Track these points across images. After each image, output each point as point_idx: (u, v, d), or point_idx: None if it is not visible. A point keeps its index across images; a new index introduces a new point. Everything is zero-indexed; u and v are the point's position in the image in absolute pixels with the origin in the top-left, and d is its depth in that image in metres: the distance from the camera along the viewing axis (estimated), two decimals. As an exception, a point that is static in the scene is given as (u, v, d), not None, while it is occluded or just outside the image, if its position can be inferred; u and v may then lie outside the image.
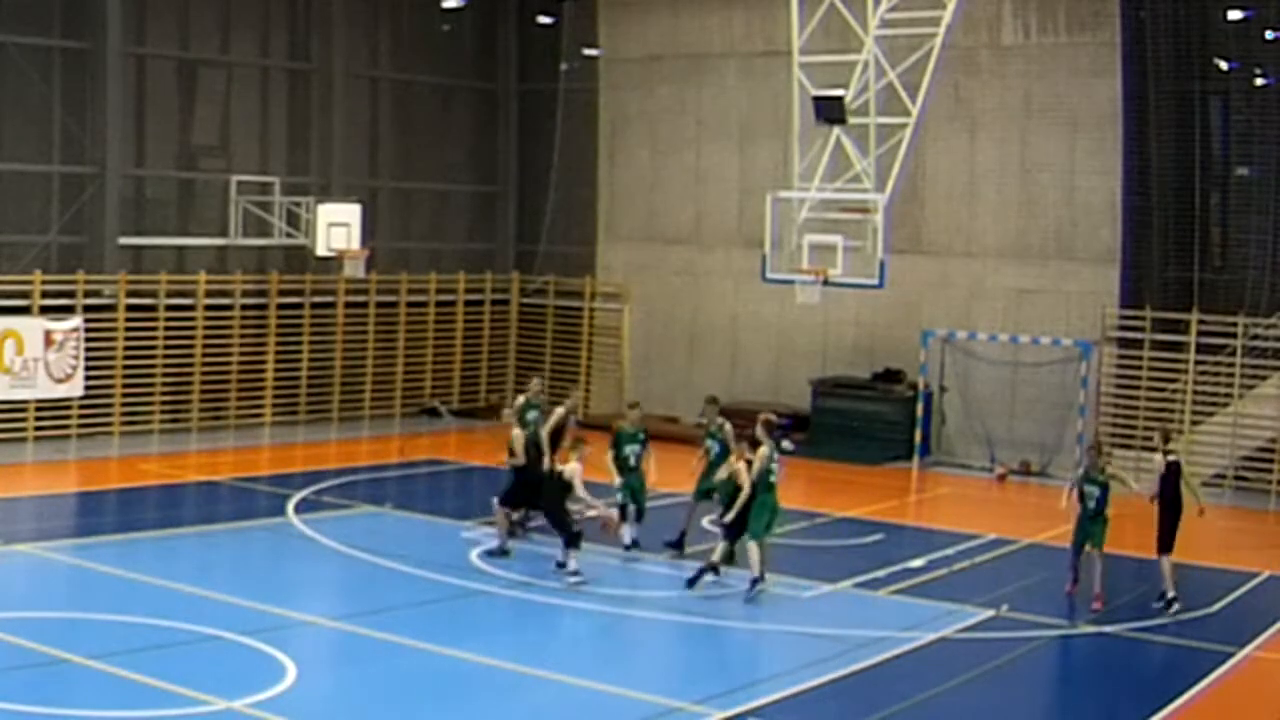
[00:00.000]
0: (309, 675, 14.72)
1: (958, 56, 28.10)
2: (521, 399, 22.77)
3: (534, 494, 19.84)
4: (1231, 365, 27.70)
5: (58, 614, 16.44)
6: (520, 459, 20.08)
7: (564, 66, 35.69)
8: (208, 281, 30.21)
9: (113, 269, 29.00)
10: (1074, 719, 15.63)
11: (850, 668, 15.87)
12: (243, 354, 30.83)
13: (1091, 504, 19.10)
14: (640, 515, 20.93)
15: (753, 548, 18.61)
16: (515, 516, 21.03)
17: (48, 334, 27.49)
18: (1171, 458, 19.38)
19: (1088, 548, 19.07)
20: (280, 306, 31.33)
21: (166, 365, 29.54)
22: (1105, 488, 19.11)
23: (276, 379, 31.44)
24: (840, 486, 21.60)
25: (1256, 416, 27.61)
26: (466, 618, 17.42)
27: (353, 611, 17.24)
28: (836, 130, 25.19)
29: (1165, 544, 19.05)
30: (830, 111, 24.90)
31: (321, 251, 29.79)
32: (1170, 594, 18.87)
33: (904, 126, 24.76)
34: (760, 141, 32.57)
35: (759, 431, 19.06)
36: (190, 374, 29.91)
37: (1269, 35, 28.03)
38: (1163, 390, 28.53)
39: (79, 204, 28.93)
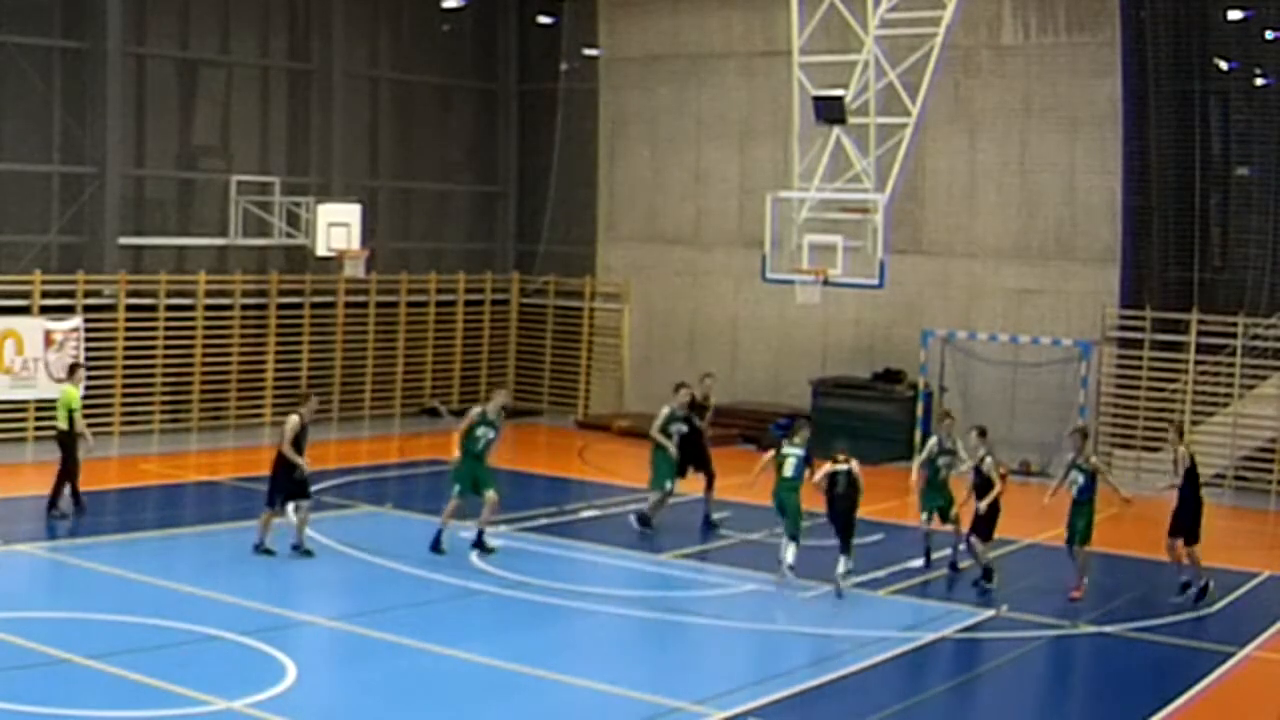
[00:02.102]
0: (309, 675, 14.71)
1: (958, 56, 28.12)
2: (690, 397, 22.64)
3: None
4: (1231, 365, 27.70)
5: (58, 614, 16.43)
6: None
7: (564, 66, 35.69)
8: (208, 281, 30.21)
9: (113, 269, 29.00)
10: (1074, 719, 15.63)
11: (850, 668, 15.86)
12: (243, 354, 30.82)
13: (1074, 491, 19.12)
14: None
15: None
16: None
17: (48, 334, 27.48)
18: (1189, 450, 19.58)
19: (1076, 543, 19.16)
20: (280, 306, 31.33)
21: (166, 365, 29.53)
22: (1091, 476, 19.10)
23: (276, 379, 31.43)
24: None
25: (1256, 416, 27.60)
26: (466, 618, 17.42)
27: (353, 611, 17.24)
28: (836, 130, 25.18)
29: (1195, 534, 19.12)
30: (830, 111, 24.89)
31: (321, 251, 29.79)
32: (1187, 579, 19.10)
33: (904, 126, 24.74)
34: (760, 141, 32.56)
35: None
36: (190, 374, 29.91)
37: (1269, 35, 28.04)
38: (1163, 390, 28.53)
39: (79, 204, 28.93)
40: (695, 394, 23.01)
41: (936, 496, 20.53)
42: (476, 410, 20.64)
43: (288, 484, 19.60)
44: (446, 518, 20.32)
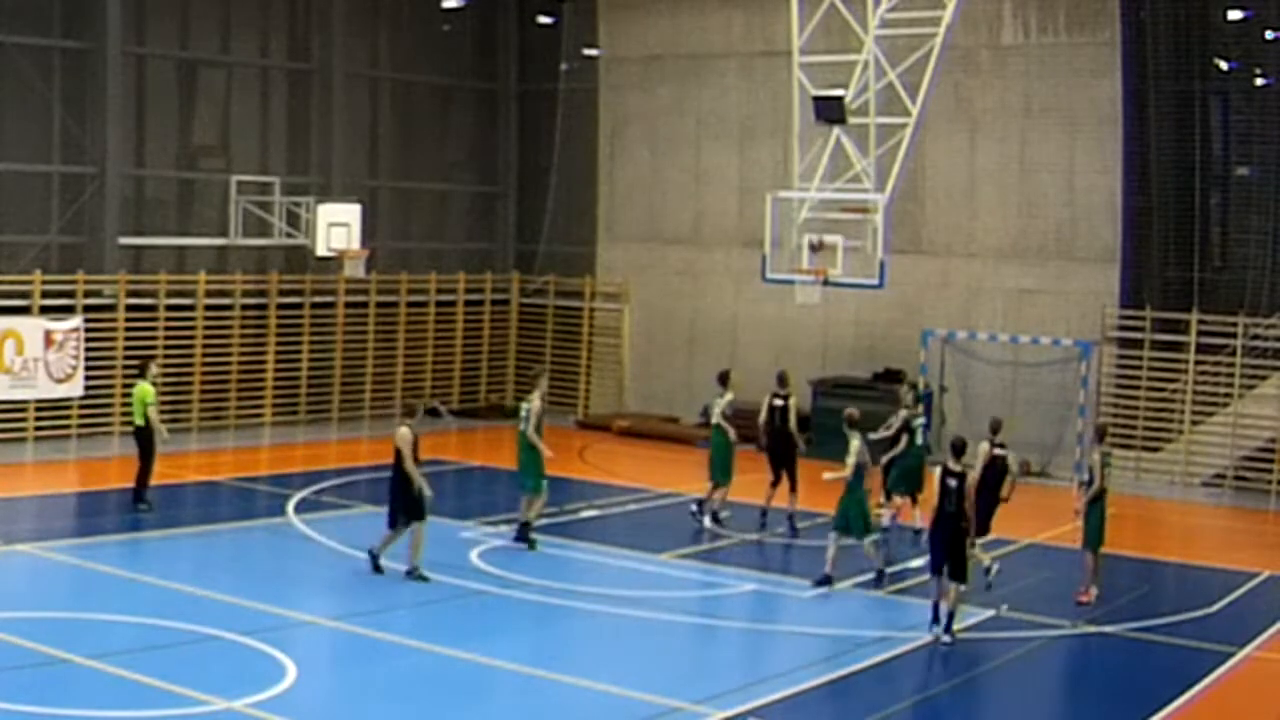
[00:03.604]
0: (309, 675, 14.71)
1: (958, 56, 28.08)
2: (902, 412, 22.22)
3: None
4: (1231, 365, 27.70)
5: (58, 614, 16.42)
6: None
7: (564, 66, 35.69)
8: (208, 281, 30.20)
9: (113, 269, 29.00)
10: (1074, 719, 15.63)
11: (850, 668, 15.87)
12: (243, 354, 30.82)
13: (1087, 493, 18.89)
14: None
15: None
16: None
17: (48, 334, 27.48)
18: (999, 451, 19.59)
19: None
20: (280, 306, 31.32)
21: (166, 365, 29.43)
22: (1092, 475, 18.82)
23: (276, 379, 31.44)
24: (840, 486, 21.52)
25: (1256, 416, 27.62)
26: (466, 618, 17.41)
27: (353, 611, 17.23)
28: (836, 130, 25.17)
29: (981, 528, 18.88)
30: (830, 111, 24.88)
31: (321, 251, 29.76)
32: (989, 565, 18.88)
33: (904, 126, 24.72)
34: (760, 141, 32.57)
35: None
36: (190, 374, 29.90)
37: (1269, 35, 28.05)
38: (1163, 390, 28.54)
39: (79, 204, 28.93)
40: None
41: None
42: (539, 403, 20.82)
43: (406, 502, 18.43)
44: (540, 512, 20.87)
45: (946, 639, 16.88)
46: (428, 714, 14.15)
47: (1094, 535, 18.79)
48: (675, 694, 14.57)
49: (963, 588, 17.06)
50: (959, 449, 17.33)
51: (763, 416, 22.97)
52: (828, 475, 19.46)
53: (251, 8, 32.18)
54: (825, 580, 19.05)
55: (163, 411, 29.27)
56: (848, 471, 19.09)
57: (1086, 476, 18.95)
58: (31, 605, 16.62)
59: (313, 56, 32.81)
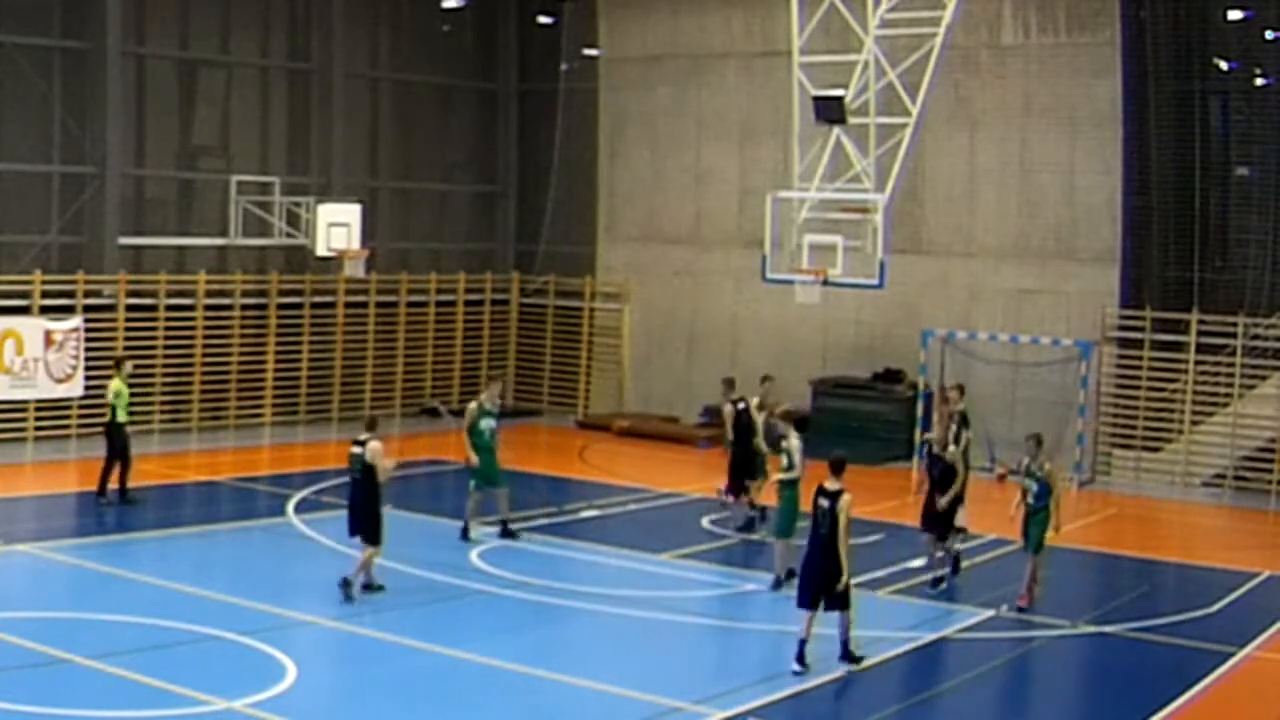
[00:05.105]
0: (309, 675, 14.72)
1: (958, 56, 28.08)
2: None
3: None
4: (1231, 365, 27.71)
5: (58, 614, 16.44)
6: None
7: (564, 66, 35.70)
8: (208, 281, 30.21)
9: (113, 269, 29.01)
10: (1074, 719, 15.63)
11: (850, 667, 15.85)
12: (243, 354, 30.82)
13: (1030, 500, 18.56)
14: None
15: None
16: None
17: (48, 334, 27.49)
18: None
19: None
20: (280, 306, 31.33)
21: (166, 365, 29.53)
22: (1043, 483, 18.53)
23: (276, 379, 31.44)
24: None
25: (1256, 416, 27.62)
26: (466, 618, 17.43)
27: (353, 611, 17.23)
28: (836, 130, 25.18)
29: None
30: (830, 111, 24.89)
31: (321, 251, 29.77)
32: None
33: (904, 126, 24.73)
34: (760, 141, 32.56)
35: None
36: (190, 374, 29.91)
37: (1269, 35, 28.05)
38: (1163, 390, 28.54)
39: (79, 204, 28.93)
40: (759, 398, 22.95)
41: None
42: (474, 405, 21.24)
43: (368, 522, 17.91)
44: (472, 514, 21.14)
45: (851, 668, 15.67)
46: (428, 714, 14.15)
47: (1037, 539, 18.65)
48: (675, 694, 14.58)
49: (850, 613, 15.77)
50: (837, 466, 15.80)
51: (729, 425, 22.65)
52: (777, 476, 19.53)
53: (251, 8, 32.18)
54: (790, 577, 18.90)
55: (163, 411, 29.60)
56: (795, 471, 18.94)
57: (1036, 488, 18.66)
58: (31, 605, 16.64)
59: (313, 56, 32.81)
